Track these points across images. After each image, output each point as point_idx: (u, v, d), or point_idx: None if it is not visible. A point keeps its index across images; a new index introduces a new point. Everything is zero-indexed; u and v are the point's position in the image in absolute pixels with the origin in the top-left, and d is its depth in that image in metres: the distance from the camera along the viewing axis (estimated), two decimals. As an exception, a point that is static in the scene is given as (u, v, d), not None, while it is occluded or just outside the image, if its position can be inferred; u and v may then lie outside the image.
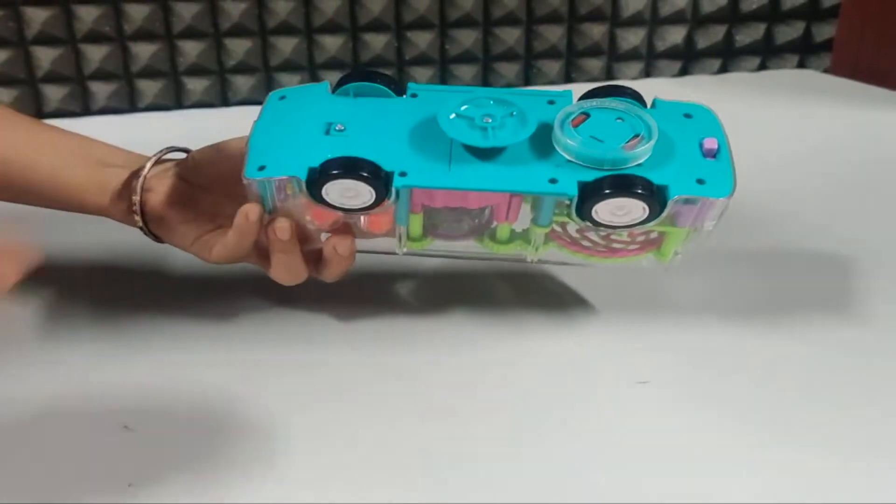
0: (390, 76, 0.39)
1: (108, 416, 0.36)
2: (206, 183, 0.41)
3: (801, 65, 1.06)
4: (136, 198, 0.42)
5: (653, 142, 0.35)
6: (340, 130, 0.37)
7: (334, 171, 0.35)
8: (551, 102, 0.38)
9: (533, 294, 0.45)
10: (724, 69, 1.04)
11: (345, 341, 0.41)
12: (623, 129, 0.36)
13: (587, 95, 0.39)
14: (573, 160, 0.36)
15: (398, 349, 0.40)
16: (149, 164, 0.42)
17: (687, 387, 0.37)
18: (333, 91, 0.39)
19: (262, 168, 0.36)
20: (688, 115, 0.38)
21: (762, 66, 1.04)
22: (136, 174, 0.42)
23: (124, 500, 0.31)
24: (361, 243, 0.39)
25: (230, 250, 0.39)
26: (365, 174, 0.35)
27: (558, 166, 0.36)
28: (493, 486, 0.31)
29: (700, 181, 0.35)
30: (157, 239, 0.43)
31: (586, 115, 0.36)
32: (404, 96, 0.39)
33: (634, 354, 0.40)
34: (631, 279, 0.47)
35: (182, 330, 0.42)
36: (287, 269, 0.39)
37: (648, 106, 0.38)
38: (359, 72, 0.39)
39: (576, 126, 0.36)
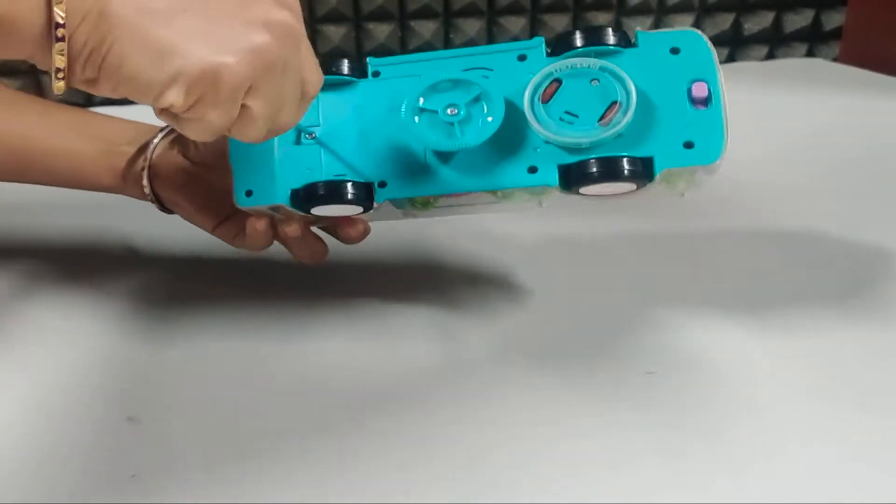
0: (347, 58, 0.37)
1: (112, 407, 0.36)
2: (211, 160, 0.41)
3: (810, 53, 1.04)
4: (146, 188, 0.42)
5: (631, 111, 0.33)
6: (312, 138, 0.36)
7: (315, 199, 0.35)
8: (522, 58, 0.35)
9: (535, 283, 0.45)
10: (731, 58, 1.03)
11: (356, 336, 0.41)
12: (599, 97, 0.33)
13: (564, 40, 0.35)
14: (550, 141, 0.34)
15: (401, 344, 0.40)
16: (151, 147, 0.42)
17: (694, 377, 0.37)
18: None
19: (249, 193, 0.36)
20: (675, 51, 0.34)
21: (770, 55, 1.03)
22: (141, 151, 0.42)
23: (127, 492, 0.31)
24: (375, 215, 0.39)
25: (249, 247, 0.40)
26: (346, 198, 0.35)
27: (536, 149, 0.34)
28: (499, 482, 0.31)
29: (688, 144, 0.33)
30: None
31: (558, 81, 0.34)
32: (367, 77, 0.37)
33: (641, 344, 0.39)
34: (636, 266, 0.47)
35: (188, 321, 0.42)
36: (307, 254, 0.40)
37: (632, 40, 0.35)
38: None
39: (547, 99, 0.34)
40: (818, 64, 0.99)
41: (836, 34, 1.04)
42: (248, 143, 0.37)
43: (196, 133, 0.29)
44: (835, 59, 1.04)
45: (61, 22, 0.24)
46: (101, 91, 0.27)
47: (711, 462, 0.32)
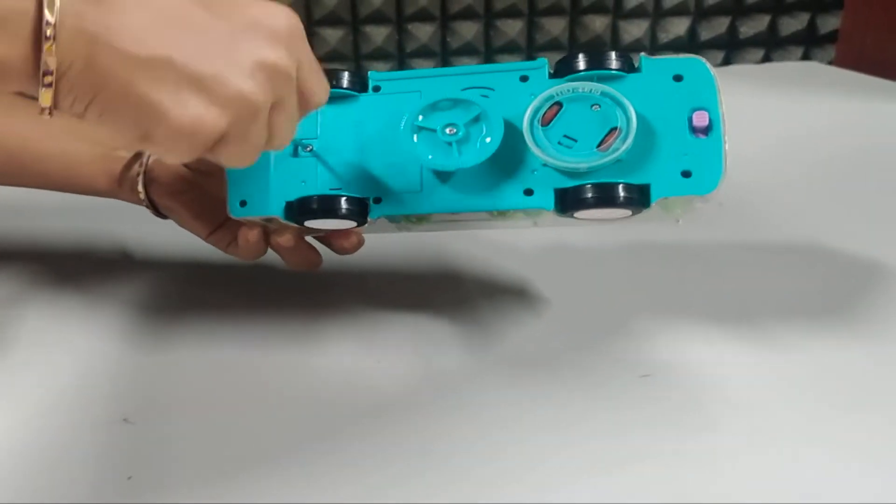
0: (349, 71, 0.37)
1: (108, 409, 0.36)
2: (207, 167, 0.41)
3: (806, 57, 1.05)
4: (142, 194, 0.42)
5: (630, 138, 0.33)
6: (309, 151, 0.36)
7: (309, 213, 0.35)
8: (524, 79, 0.35)
9: (533, 287, 0.45)
10: (727, 61, 1.03)
11: (352, 341, 0.41)
12: (599, 122, 0.33)
13: (567, 63, 0.35)
14: (548, 164, 0.34)
15: (399, 349, 0.40)
16: (148, 152, 0.42)
17: (690, 380, 0.37)
18: None
19: (243, 203, 0.37)
20: (678, 78, 0.34)
21: (766, 58, 1.04)
22: (138, 156, 0.42)
23: (124, 493, 0.31)
24: (369, 228, 0.39)
25: (242, 256, 0.40)
26: (340, 212, 0.35)
27: (534, 171, 0.34)
28: (495, 485, 0.31)
29: (686, 173, 0.33)
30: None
31: (559, 105, 0.34)
32: (367, 91, 0.37)
33: (637, 347, 0.39)
34: (632, 270, 0.47)
35: (183, 322, 0.42)
36: (300, 263, 0.40)
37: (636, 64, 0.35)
38: None
39: (547, 123, 0.34)
40: (814, 67, 0.99)
41: (832, 37, 1.04)
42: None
43: (171, 160, 0.29)
44: (830, 63, 1.04)
45: (50, 69, 0.25)
46: (83, 121, 0.27)
47: (707, 463, 0.32)
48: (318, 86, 0.31)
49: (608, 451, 0.32)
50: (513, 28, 0.97)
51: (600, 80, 0.34)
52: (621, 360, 0.38)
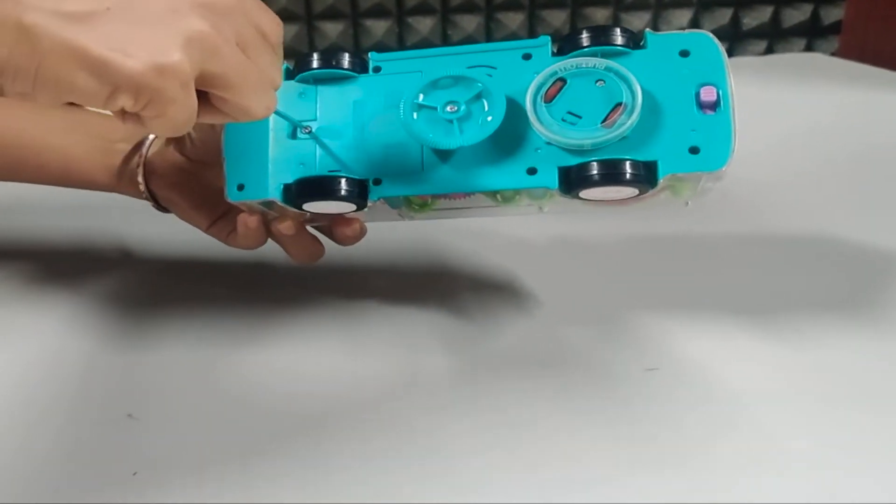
0: (349, 52, 0.37)
1: (112, 405, 0.35)
2: (207, 158, 0.41)
3: (809, 48, 1.04)
4: (142, 186, 0.42)
5: (636, 113, 0.32)
6: (307, 133, 0.36)
7: (307, 194, 0.35)
8: (527, 57, 0.35)
9: (538, 285, 0.45)
10: (730, 53, 1.02)
11: (352, 339, 0.41)
12: (604, 98, 0.33)
13: (570, 39, 0.34)
14: (552, 142, 0.33)
15: (405, 346, 0.40)
16: (147, 144, 0.42)
17: (696, 374, 0.37)
18: (294, 75, 0.37)
19: (241, 187, 0.36)
20: (685, 53, 0.33)
21: (769, 50, 1.03)
22: (137, 148, 0.42)
23: (129, 489, 0.31)
24: (370, 215, 0.38)
25: (241, 245, 0.40)
26: (339, 194, 0.35)
27: (537, 150, 0.33)
28: (498, 481, 0.31)
29: (694, 150, 0.32)
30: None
31: (562, 81, 0.33)
32: (367, 73, 0.36)
33: (643, 341, 0.39)
34: (635, 264, 0.47)
35: (188, 318, 0.42)
36: (302, 254, 0.40)
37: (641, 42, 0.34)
38: (316, 58, 0.37)
39: (550, 99, 0.33)
40: (817, 59, 0.99)
41: (835, 28, 1.04)
42: (245, 133, 0.36)
43: (163, 130, 0.28)
44: (834, 54, 1.04)
45: None
46: (43, 103, 0.26)
47: (712, 460, 0.31)
48: (266, 16, 0.30)
49: (611, 447, 0.32)
50: (514, 21, 0.96)
51: (605, 56, 0.33)
52: (625, 353, 0.38)
